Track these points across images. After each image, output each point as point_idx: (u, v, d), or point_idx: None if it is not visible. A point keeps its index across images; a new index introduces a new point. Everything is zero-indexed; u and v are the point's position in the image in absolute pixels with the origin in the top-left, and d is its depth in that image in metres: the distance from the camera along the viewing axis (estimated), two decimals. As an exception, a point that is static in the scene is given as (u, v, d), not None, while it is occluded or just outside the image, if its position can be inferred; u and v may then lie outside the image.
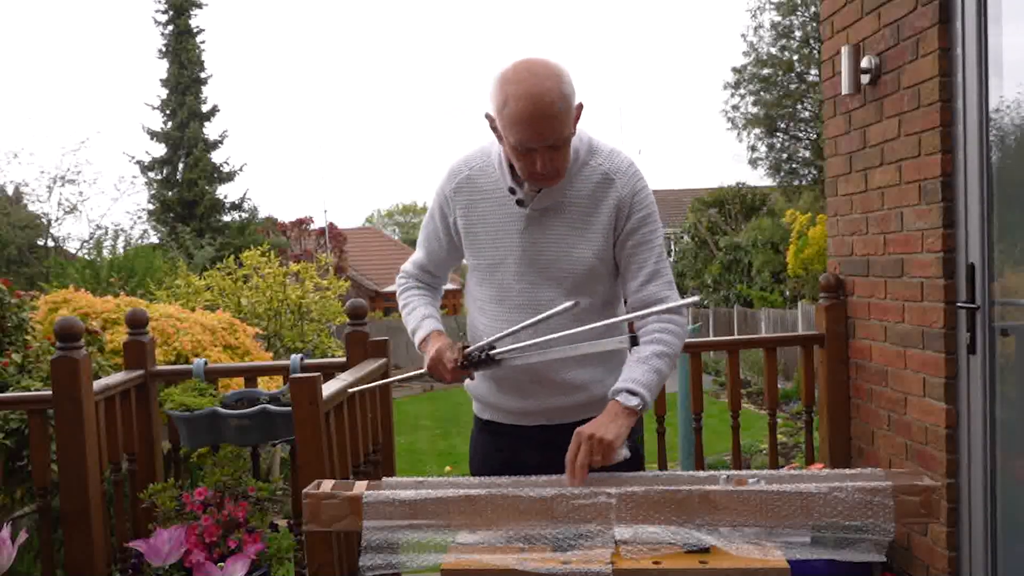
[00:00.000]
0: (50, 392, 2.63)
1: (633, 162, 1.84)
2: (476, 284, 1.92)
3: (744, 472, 1.66)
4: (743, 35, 20.85)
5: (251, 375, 3.34)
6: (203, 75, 21.05)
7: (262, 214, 21.70)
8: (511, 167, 1.79)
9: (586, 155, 1.80)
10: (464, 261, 2.00)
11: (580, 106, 1.72)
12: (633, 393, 1.67)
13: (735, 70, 20.47)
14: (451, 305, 23.63)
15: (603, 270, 1.84)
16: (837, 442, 3.35)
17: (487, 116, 1.74)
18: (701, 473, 1.66)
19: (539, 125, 1.64)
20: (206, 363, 3.13)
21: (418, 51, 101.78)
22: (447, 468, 7.28)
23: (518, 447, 1.91)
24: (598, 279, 1.84)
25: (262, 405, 2.81)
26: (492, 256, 1.85)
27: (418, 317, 1.93)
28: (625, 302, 1.92)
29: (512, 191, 1.80)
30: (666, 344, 1.75)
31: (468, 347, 1.76)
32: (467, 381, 2.01)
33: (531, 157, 1.69)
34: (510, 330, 1.73)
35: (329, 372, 2.77)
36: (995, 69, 2.53)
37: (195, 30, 20.89)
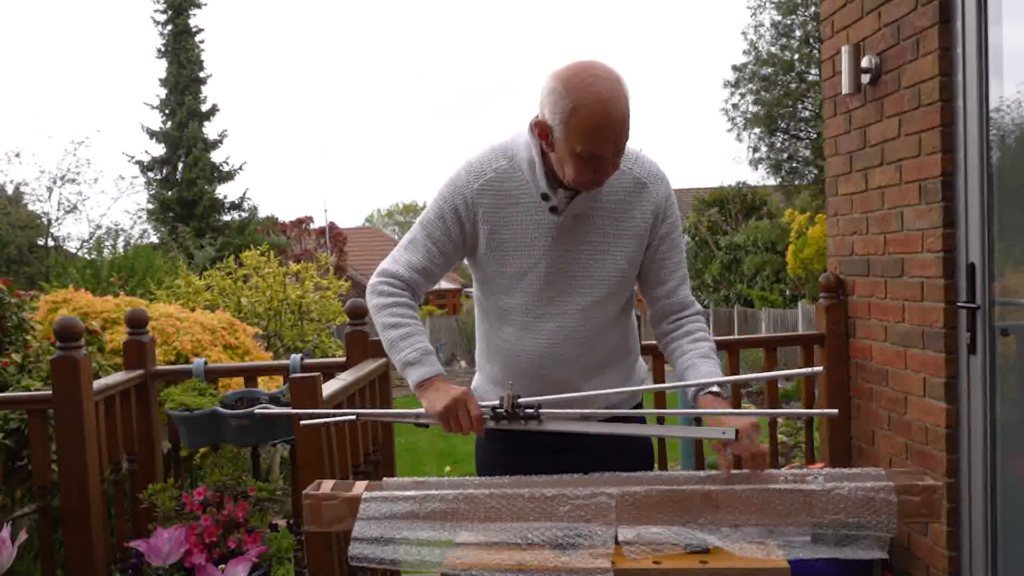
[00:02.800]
0: (50, 392, 2.63)
1: (658, 164, 1.82)
2: (499, 292, 1.82)
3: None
4: (743, 33, 20.81)
5: (251, 375, 3.34)
6: (202, 74, 21.04)
7: (262, 214, 21.69)
8: (546, 172, 1.72)
9: None
10: (464, 267, 1.94)
11: None
12: (722, 386, 1.75)
13: (735, 69, 20.47)
14: (451, 305, 23.63)
15: (632, 276, 1.83)
16: (837, 442, 3.35)
17: (538, 123, 1.66)
18: (701, 472, 1.66)
19: (612, 131, 1.59)
20: (206, 363, 3.13)
21: (418, 51, 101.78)
22: (447, 468, 7.28)
23: (530, 452, 1.85)
24: (627, 285, 1.83)
25: (262, 405, 2.81)
26: (520, 264, 1.77)
27: (419, 349, 1.74)
28: (627, 302, 1.90)
29: (545, 197, 1.72)
30: (711, 341, 1.86)
31: (518, 398, 1.65)
32: (474, 383, 1.98)
33: (594, 163, 1.62)
34: (567, 396, 1.70)
35: (329, 372, 2.77)
36: (995, 69, 2.53)
37: (194, 30, 20.88)
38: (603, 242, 1.77)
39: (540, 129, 1.66)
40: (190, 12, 20.78)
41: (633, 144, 1.74)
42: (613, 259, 1.77)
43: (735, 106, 20.65)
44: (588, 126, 1.58)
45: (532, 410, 1.63)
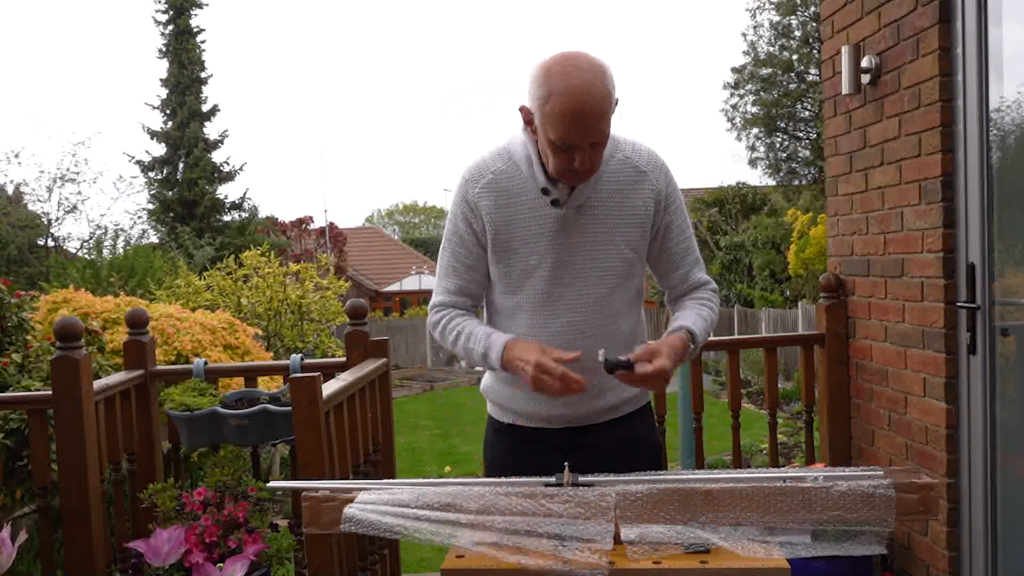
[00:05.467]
0: (50, 392, 2.63)
1: (655, 151, 1.83)
2: (508, 291, 1.82)
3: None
4: (743, 34, 20.84)
5: (251, 375, 3.34)
6: (203, 75, 21.01)
7: (262, 214, 21.67)
8: (544, 167, 1.72)
9: (611, 148, 1.75)
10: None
11: (616, 101, 1.65)
12: (690, 332, 1.76)
13: (735, 70, 20.48)
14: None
15: (638, 263, 1.84)
16: (837, 442, 3.35)
17: (522, 108, 1.69)
18: (702, 473, 1.66)
19: (583, 123, 1.59)
20: (206, 363, 3.12)
21: (418, 51, 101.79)
22: (447, 468, 7.28)
23: (540, 451, 1.84)
24: (634, 273, 1.84)
25: (262, 405, 2.81)
26: (527, 261, 1.78)
27: (482, 334, 1.76)
28: (636, 294, 1.90)
29: (546, 191, 1.73)
30: (713, 311, 1.89)
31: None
32: (483, 384, 1.98)
33: (569, 154, 1.63)
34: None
35: (329, 372, 2.77)
36: (995, 69, 2.53)
37: (195, 30, 20.86)
38: (606, 231, 1.77)
39: (524, 114, 1.69)
40: (191, 12, 20.76)
41: (630, 135, 1.76)
42: (617, 248, 1.78)
43: (734, 107, 20.67)
44: (559, 114, 1.59)
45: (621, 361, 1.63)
